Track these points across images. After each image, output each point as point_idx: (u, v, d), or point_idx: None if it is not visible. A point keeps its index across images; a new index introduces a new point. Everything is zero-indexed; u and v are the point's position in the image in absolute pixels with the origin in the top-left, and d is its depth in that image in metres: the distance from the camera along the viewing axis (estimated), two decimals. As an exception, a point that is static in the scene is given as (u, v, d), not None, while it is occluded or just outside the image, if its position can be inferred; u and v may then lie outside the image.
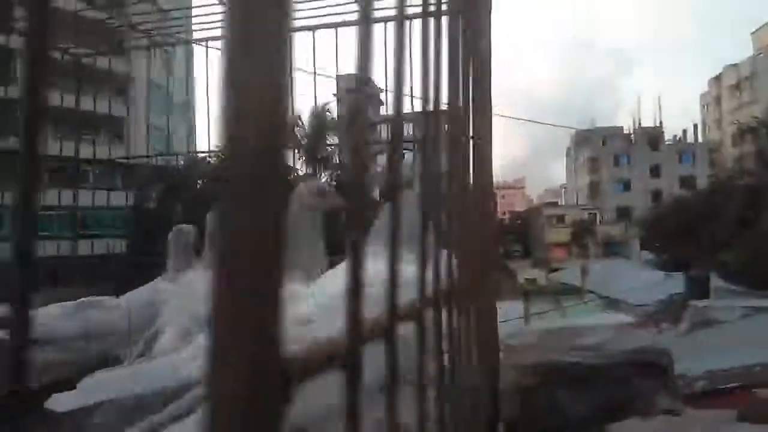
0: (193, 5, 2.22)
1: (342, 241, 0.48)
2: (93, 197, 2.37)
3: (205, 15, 2.20)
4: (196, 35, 2.34)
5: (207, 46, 2.32)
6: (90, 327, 1.78)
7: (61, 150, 2.55)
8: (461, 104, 1.18)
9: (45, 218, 2.45)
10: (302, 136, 19.95)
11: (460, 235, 1.47)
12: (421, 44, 0.60)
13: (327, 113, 20.43)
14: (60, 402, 1.06)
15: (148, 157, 2.33)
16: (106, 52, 2.34)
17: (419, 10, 0.62)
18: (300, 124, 19.56)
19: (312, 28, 2.15)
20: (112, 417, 1.07)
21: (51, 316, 1.77)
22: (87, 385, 1.15)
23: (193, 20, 2.26)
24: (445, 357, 0.97)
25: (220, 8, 2.13)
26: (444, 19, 0.76)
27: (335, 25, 2.16)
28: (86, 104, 2.84)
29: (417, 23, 0.63)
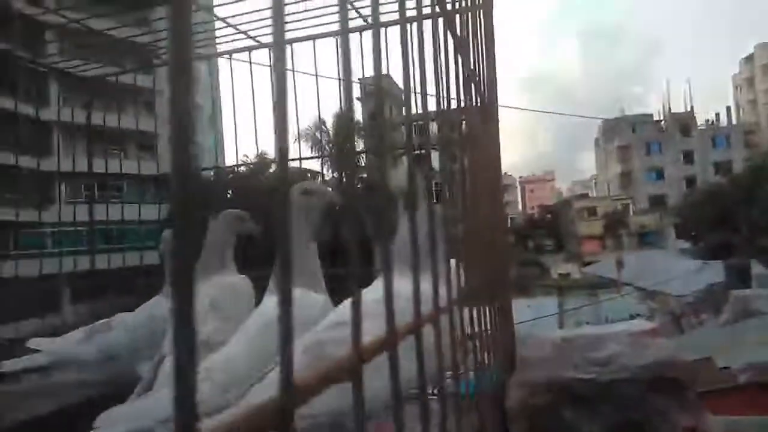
0: (215, 19, 2.26)
1: (343, 245, 0.47)
2: (122, 211, 2.43)
3: (227, 27, 2.23)
4: (219, 48, 2.37)
5: (231, 58, 2.35)
6: (104, 350, 1.79)
7: (90, 166, 2.63)
8: (468, 103, 1.16)
9: (77, 233, 2.51)
10: (327, 141, 20.08)
11: (471, 238, 1.45)
12: (417, 47, 0.60)
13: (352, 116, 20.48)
14: None
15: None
16: (133, 69, 2.39)
17: (414, 13, 0.62)
18: (324, 129, 19.70)
19: (334, 34, 2.16)
20: None
21: (70, 341, 1.82)
22: (102, 422, 1.18)
23: (217, 32, 2.29)
24: (454, 369, 0.96)
25: (242, 21, 2.16)
26: (440, 21, 0.76)
27: (359, 29, 2.16)
28: (113, 121, 2.92)
29: (413, 27, 0.63)
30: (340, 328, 1.07)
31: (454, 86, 0.92)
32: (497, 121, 1.76)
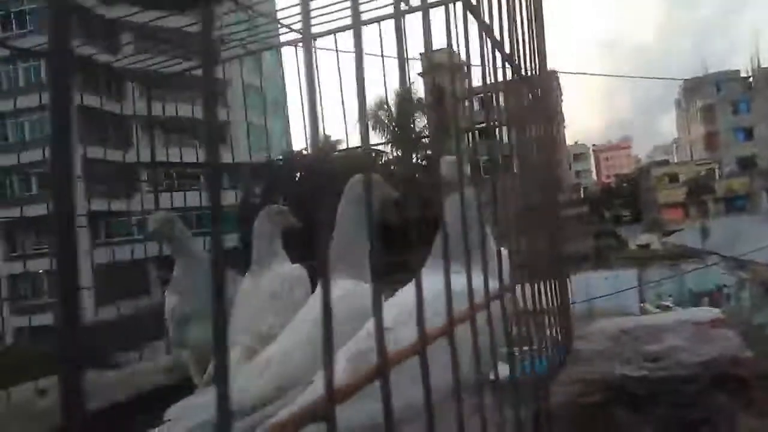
0: (277, 9, 2.30)
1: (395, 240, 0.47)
2: (200, 198, 2.55)
3: (291, 16, 2.26)
4: (282, 38, 2.42)
5: (296, 46, 2.38)
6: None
7: (167, 156, 2.78)
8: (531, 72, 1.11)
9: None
10: (389, 120, 20.05)
11: (526, 215, 1.40)
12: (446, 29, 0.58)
13: (413, 94, 20.36)
14: None
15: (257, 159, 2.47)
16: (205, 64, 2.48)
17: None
18: (387, 107, 19.66)
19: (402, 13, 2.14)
20: None
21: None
22: (172, 413, 1.24)
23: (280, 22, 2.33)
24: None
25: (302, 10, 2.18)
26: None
27: (422, 8, 2.13)
28: (188, 111, 3.06)
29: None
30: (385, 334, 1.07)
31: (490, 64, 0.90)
32: (552, 91, 1.70)
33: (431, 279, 0.70)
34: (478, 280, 0.76)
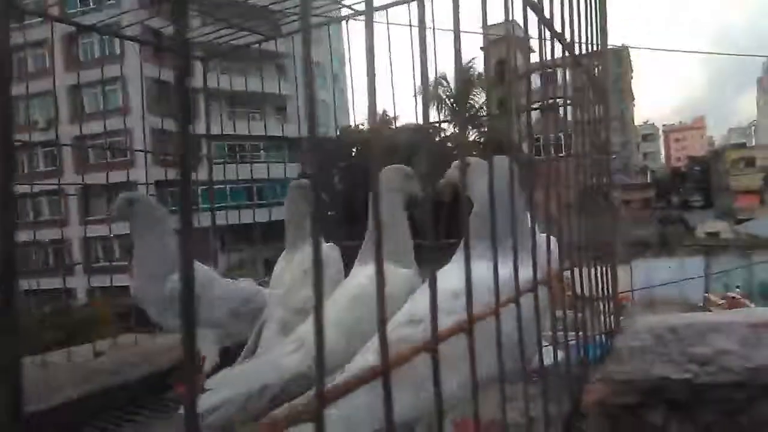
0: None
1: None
2: (268, 170, 2.63)
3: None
4: (344, 12, 2.42)
5: (348, 20, 2.38)
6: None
7: (234, 128, 2.87)
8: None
9: (225, 191, 2.78)
10: (448, 95, 19.74)
11: (579, 200, 1.35)
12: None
13: (471, 69, 19.91)
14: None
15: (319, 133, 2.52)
16: (269, 35, 2.53)
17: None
18: (445, 84, 19.35)
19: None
20: (231, 412, 1.20)
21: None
22: (212, 384, 1.27)
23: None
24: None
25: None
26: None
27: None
28: (255, 85, 3.14)
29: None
30: (413, 326, 1.05)
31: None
32: (607, 69, 1.63)
33: (474, 265, 0.70)
34: (511, 268, 0.75)
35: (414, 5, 2.12)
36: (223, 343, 1.86)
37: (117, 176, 2.46)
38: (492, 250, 0.68)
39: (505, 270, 0.72)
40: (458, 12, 0.58)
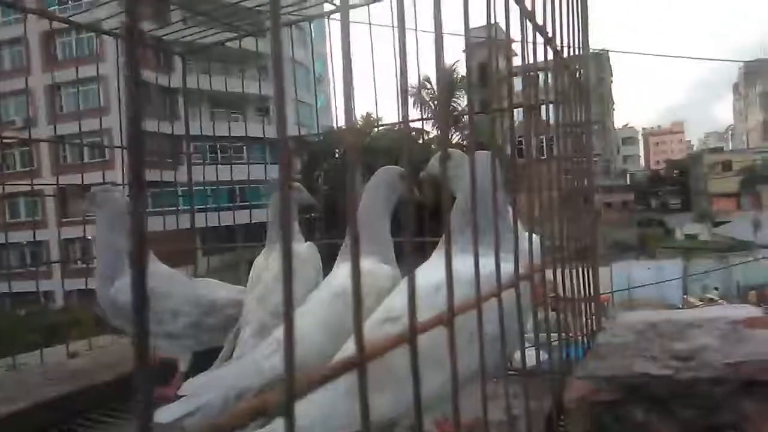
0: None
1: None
2: (248, 172, 2.60)
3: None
4: (327, 8, 2.40)
5: (328, 19, 2.36)
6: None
7: (213, 129, 2.84)
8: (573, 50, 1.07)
9: (204, 192, 2.73)
10: (431, 98, 19.82)
11: (562, 200, 1.35)
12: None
13: (454, 72, 20.04)
14: (166, 414, 1.14)
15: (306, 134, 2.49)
16: (250, 33, 2.51)
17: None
18: (428, 86, 19.43)
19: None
20: (208, 417, 1.16)
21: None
22: (187, 390, 1.24)
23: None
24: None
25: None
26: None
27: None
28: (234, 86, 3.11)
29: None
30: (389, 325, 1.04)
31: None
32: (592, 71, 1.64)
33: (456, 259, 0.69)
34: (491, 263, 0.74)
35: (394, 3, 2.10)
36: (196, 348, 1.81)
37: (94, 177, 2.41)
38: (473, 243, 0.67)
39: (488, 264, 0.71)
40: (439, 13, 0.57)
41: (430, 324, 0.55)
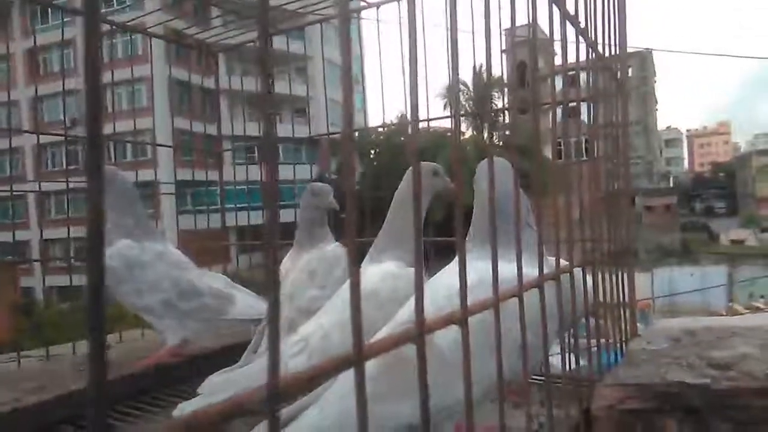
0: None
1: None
2: (294, 172, 2.63)
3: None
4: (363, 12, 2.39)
5: (378, 20, 2.35)
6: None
7: (245, 130, 2.87)
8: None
9: (240, 192, 2.77)
10: (467, 98, 19.66)
11: (599, 202, 1.29)
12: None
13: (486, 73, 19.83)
14: (186, 410, 1.15)
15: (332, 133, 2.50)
16: (285, 33, 2.52)
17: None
18: (464, 87, 19.27)
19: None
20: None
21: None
22: (207, 388, 1.24)
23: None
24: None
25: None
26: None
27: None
28: (276, 87, 3.14)
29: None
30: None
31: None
32: (628, 72, 1.58)
33: (473, 265, 0.67)
34: (509, 267, 0.72)
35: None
36: (182, 333, 1.84)
37: (144, 175, 2.47)
38: (491, 244, 0.65)
39: (509, 268, 0.70)
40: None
41: (442, 322, 0.53)
